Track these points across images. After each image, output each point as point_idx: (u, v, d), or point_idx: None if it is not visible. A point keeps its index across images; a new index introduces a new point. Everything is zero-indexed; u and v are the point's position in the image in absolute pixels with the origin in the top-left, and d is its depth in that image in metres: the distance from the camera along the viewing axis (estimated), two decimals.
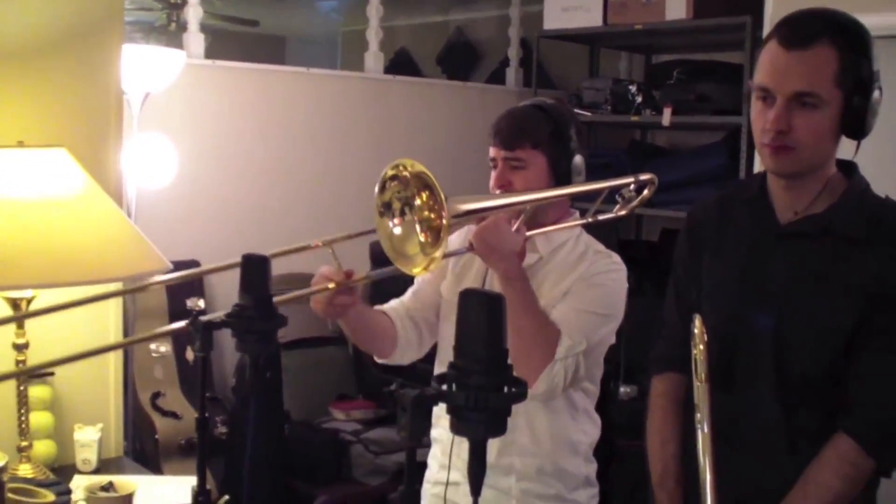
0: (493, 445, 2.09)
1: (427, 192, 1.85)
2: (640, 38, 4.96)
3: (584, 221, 2.19)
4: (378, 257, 4.19)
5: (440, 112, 4.89)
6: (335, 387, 4.23)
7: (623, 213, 2.28)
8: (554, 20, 4.94)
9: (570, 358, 1.97)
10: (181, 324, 1.61)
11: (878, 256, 1.70)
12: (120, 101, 2.54)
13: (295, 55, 7.91)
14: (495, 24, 6.29)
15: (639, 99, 4.72)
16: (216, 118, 4.04)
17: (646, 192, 2.26)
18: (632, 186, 2.24)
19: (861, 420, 1.69)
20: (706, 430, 1.68)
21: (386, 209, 1.87)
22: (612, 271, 2.11)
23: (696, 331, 1.72)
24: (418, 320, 2.23)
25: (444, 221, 1.76)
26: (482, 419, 1.08)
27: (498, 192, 2.09)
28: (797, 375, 1.73)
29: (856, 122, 1.70)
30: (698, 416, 1.69)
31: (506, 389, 1.09)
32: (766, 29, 4.00)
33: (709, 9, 4.36)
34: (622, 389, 3.75)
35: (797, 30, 1.70)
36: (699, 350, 1.70)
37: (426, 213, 1.85)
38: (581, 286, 2.08)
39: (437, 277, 2.25)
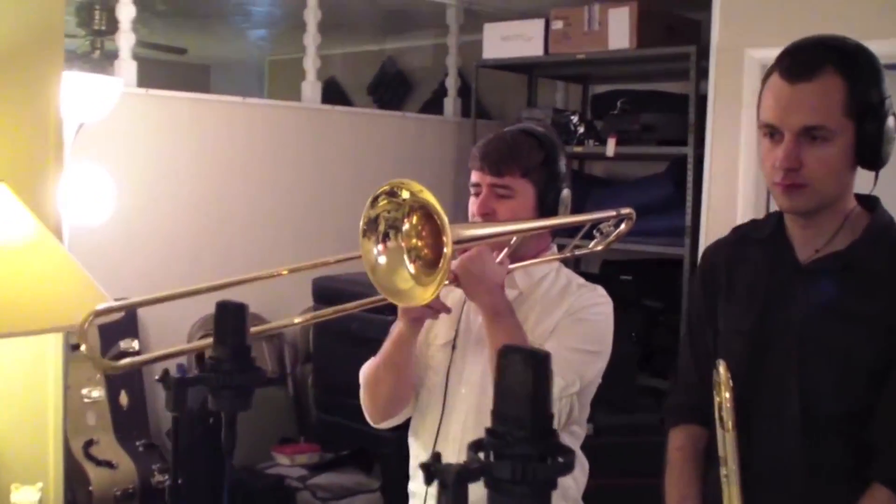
0: (475, 496, 1.97)
1: (418, 216, 1.71)
2: (581, 67, 4.92)
3: (563, 255, 2.09)
4: (322, 293, 4.04)
5: (378, 142, 4.77)
6: (275, 429, 4.05)
7: (600, 248, 2.20)
8: (493, 49, 4.87)
9: (563, 399, 1.87)
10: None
11: None
12: (59, 130, 2.37)
13: (220, 83, 7.72)
14: (428, 54, 6.22)
15: (581, 129, 4.67)
16: (151, 149, 3.85)
17: (623, 226, 2.17)
18: (611, 221, 2.17)
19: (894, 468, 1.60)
20: (736, 483, 1.58)
21: (371, 228, 1.72)
22: (599, 304, 2.01)
23: (720, 378, 1.61)
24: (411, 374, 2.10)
25: (447, 249, 1.62)
26: (527, 493, 0.97)
27: (478, 219, 1.97)
28: (822, 414, 1.65)
29: (870, 152, 1.62)
30: (724, 470, 1.59)
31: (551, 460, 0.98)
32: (713, 58, 3.99)
33: (652, 38, 4.33)
34: None
35: (799, 60, 1.62)
36: (724, 398, 1.60)
37: (414, 240, 1.72)
38: (568, 322, 1.97)
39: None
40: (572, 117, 4.72)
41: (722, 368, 1.65)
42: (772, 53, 3.71)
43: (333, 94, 6.26)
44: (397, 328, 1.95)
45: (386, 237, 1.71)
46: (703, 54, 4.14)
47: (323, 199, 4.48)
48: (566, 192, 2.02)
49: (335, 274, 4.10)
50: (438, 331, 2.08)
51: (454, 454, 1.99)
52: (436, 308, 1.84)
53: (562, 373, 1.86)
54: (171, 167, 3.92)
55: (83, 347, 1.67)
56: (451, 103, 5.19)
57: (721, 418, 1.60)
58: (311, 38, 4.52)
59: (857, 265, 1.66)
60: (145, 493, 3.49)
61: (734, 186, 3.96)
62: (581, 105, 5.45)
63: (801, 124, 1.58)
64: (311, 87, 4.52)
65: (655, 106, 4.47)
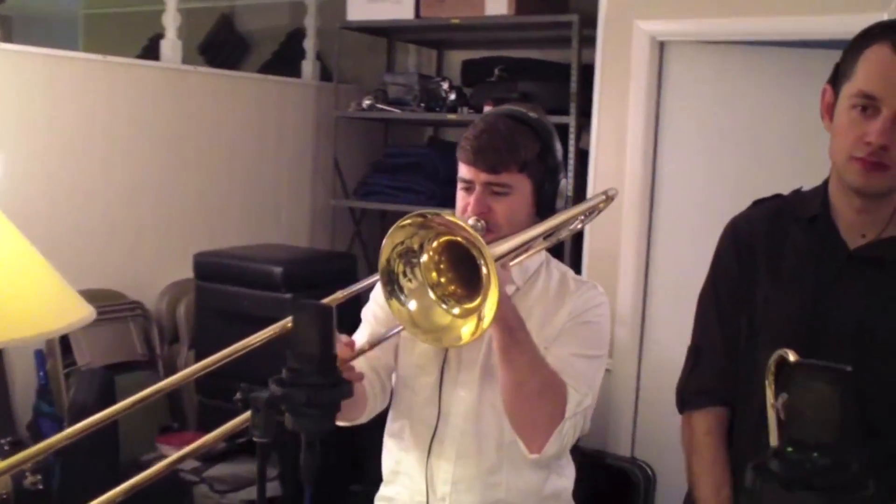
0: (471, 501, 1.87)
1: (439, 241, 1.56)
2: (453, 32, 4.79)
3: (550, 244, 1.97)
4: (204, 269, 3.74)
5: (243, 105, 4.47)
6: (149, 418, 3.73)
7: (580, 227, 2.11)
8: (358, 11, 4.66)
9: (577, 416, 1.77)
10: None
11: None
12: None
13: (24, 36, 7.02)
14: (269, 13, 5.90)
15: (452, 96, 4.56)
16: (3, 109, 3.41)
17: (601, 204, 2.09)
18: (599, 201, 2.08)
19: None
20: None
21: (392, 284, 1.57)
22: (601, 304, 1.93)
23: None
24: (379, 369, 1.95)
25: (488, 269, 1.48)
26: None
27: (472, 219, 1.81)
28: (879, 413, 1.61)
29: None
30: None
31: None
32: (600, 29, 3.97)
33: (530, 6, 4.27)
34: None
35: None
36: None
37: (434, 273, 1.57)
38: (572, 326, 1.88)
39: (390, 318, 1.96)
40: (442, 84, 4.60)
41: (792, 356, 1.59)
42: (661, 25, 3.81)
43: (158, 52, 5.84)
44: None
45: (405, 278, 1.57)
46: (586, 23, 4.12)
47: (185, 163, 4.15)
48: (563, 183, 1.91)
49: (218, 248, 3.82)
50: None
51: (450, 459, 1.89)
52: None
53: (575, 385, 1.77)
54: (25, 127, 3.49)
55: None
56: (309, 66, 4.94)
57: None
58: None
59: None
60: (20, 497, 3.12)
61: (622, 157, 3.97)
62: (437, 71, 5.33)
63: None
64: (171, 46, 4.16)
65: (534, 74, 4.41)
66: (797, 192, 1.84)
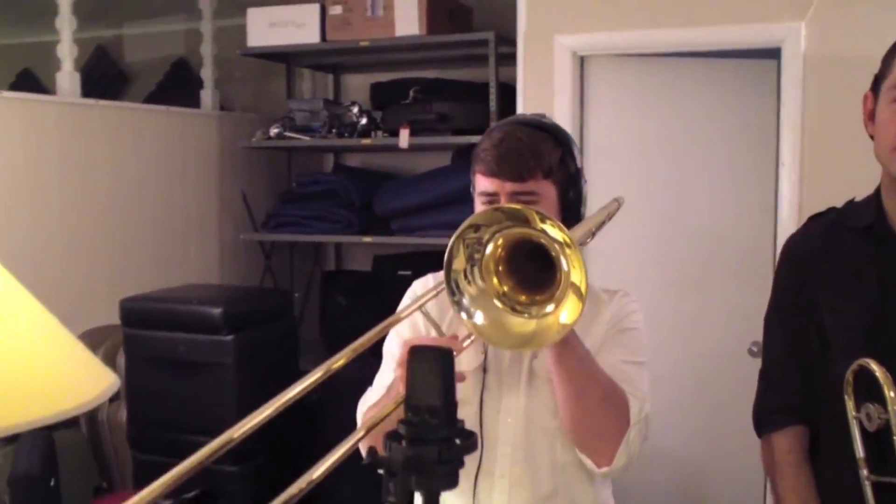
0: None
1: (495, 245, 1.46)
2: (363, 56, 4.68)
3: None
4: (131, 315, 3.48)
5: (146, 139, 4.22)
6: (77, 480, 3.44)
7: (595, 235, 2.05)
8: (260, 37, 4.49)
9: (641, 421, 1.70)
10: None
11: None
12: None
13: None
14: (145, 43, 5.64)
15: (363, 120, 4.44)
16: None
17: (615, 211, 2.04)
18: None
19: None
20: None
21: (455, 294, 1.45)
22: (637, 311, 1.89)
23: (881, 377, 1.52)
24: None
25: (564, 252, 1.38)
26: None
27: None
28: None
29: None
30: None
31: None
32: (521, 45, 3.93)
33: (440, 25, 4.21)
34: None
35: None
36: (890, 398, 1.51)
37: (495, 280, 1.46)
38: (615, 333, 1.82)
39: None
40: (352, 108, 4.48)
41: (875, 365, 1.57)
42: (582, 40, 3.81)
43: (31, 85, 5.50)
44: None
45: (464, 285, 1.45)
46: (503, 41, 4.09)
47: (90, 202, 3.89)
48: (586, 189, 1.85)
49: (144, 293, 3.59)
50: (461, 356, 1.82)
51: (503, 490, 1.78)
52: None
53: (631, 390, 1.71)
54: None
55: None
56: (209, 95, 4.73)
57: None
58: (65, 21, 3.88)
59: None
60: None
61: None
62: (334, 96, 5.21)
63: None
64: (68, 79, 3.89)
65: (450, 94, 4.34)
66: (850, 203, 1.83)
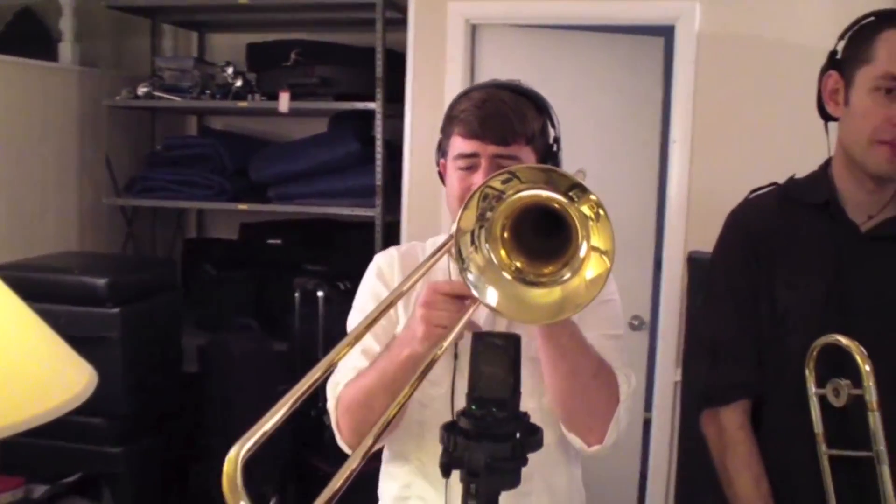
0: None
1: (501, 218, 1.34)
2: (234, 14, 4.43)
3: None
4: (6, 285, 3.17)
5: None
6: None
7: None
8: None
9: (630, 397, 1.65)
10: None
11: None
12: None
13: None
14: None
15: (238, 83, 4.23)
16: None
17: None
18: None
19: None
20: (886, 461, 1.51)
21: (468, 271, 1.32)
22: (612, 281, 1.81)
23: (856, 352, 1.53)
24: None
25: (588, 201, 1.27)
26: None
27: None
28: None
29: None
30: (879, 449, 1.51)
31: None
32: (412, 11, 3.82)
33: None
34: None
35: None
36: (865, 372, 1.52)
37: (503, 252, 1.34)
38: (594, 305, 1.74)
39: (389, 330, 1.74)
40: (227, 68, 4.25)
41: (846, 340, 1.58)
42: (476, 8, 3.74)
43: None
44: (408, 348, 1.53)
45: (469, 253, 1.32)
46: (390, 5, 3.96)
47: None
48: (561, 156, 1.79)
49: (19, 261, 3.31)
50: None
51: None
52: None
53: (618, 366, 1.66)
54: None
55: None
56: (68, 49, 4.38)
57: (869, 398, 1.53)
58: None
59: None
60: None
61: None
62: (198, 54, 4.93)
63: None
64: None
65: (334, 58, 4.17)
66: (792, 179, 1.83)
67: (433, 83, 3.85)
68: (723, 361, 1.80)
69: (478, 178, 1.65)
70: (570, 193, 1.26)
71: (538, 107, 1.74)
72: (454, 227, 1.31)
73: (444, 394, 1.67)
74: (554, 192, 1.26)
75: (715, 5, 3.55)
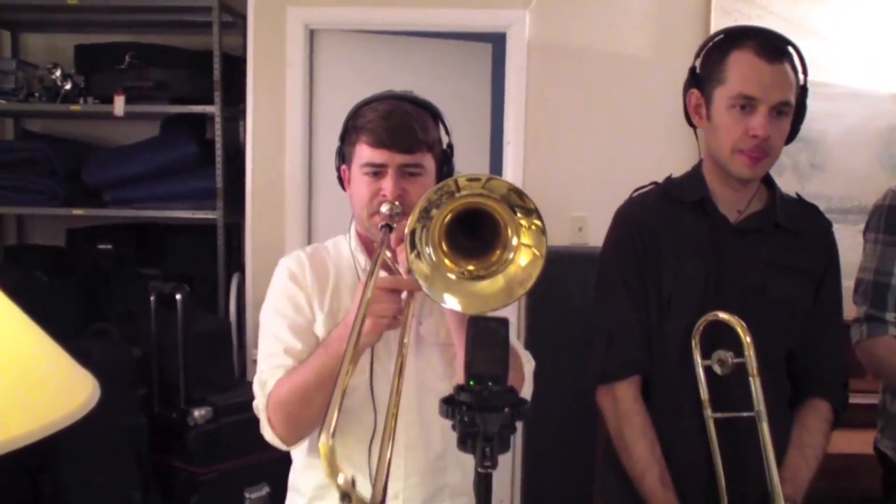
0: (423, 491, 1.88)
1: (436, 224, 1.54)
2: (57, 14, 4.31)
3: None
4: None
5: None
6: None
7: None
8: None
9: (530, 379, 1.85)
10: None
11: (816, 244, 1.97)
12: None
13: None
14: None
15: (68, 85, 4.14)
16: None
17: None
18: None
19: (832, 386, 1.96)
20: (765, 419, 1.77)
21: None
22: None
23: (739, 328, 1.77)
24: None
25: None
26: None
27: (387, 206, 1.75)
28: (774, 353, 1.91)
29: (797, 128, 1.90)
30: (760, 409, 1.78)
31: None
32: (251, 15, 3.87)
33: None
34: (196, 413, 3.28)
35: (771, 44, 1.83)
36: (747, 343, 1.77)
37: (444, 248, 1.55)
38: None
39: (307, 328, 1.85)
40: (55, 70, 4.15)
41: (727, 316, 1.80)
42: (314, 13, 3.83)
43: None
44: (341, 342, 1.60)
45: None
46: (226, 9, 3.99)
47: None
48: (454, 162, 1.94)
49: None
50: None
51: (398, 454, 1.81)
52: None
53: (519, 350, 1.86)
54: None
55: None
56: None
57: (750, 368, 1.78)
58: None
59: (782, 224, 1.93)
60: None
61: (281, 146, 3.94)
62: (12, 54, 4.76)
63: (778, 99, 1.80)
64: None
65: (169, 61, 4.15)
66: (670, 179, 2.05)
67: (273, 87, 3.92)
68: (617, 343, 1.98)
69: (385, 184, 1.78)
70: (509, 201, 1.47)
71: (434, 116, 1.88)
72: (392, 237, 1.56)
73: (364, 379, 1.80)
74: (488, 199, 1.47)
75: (543, 16, 3.79)
